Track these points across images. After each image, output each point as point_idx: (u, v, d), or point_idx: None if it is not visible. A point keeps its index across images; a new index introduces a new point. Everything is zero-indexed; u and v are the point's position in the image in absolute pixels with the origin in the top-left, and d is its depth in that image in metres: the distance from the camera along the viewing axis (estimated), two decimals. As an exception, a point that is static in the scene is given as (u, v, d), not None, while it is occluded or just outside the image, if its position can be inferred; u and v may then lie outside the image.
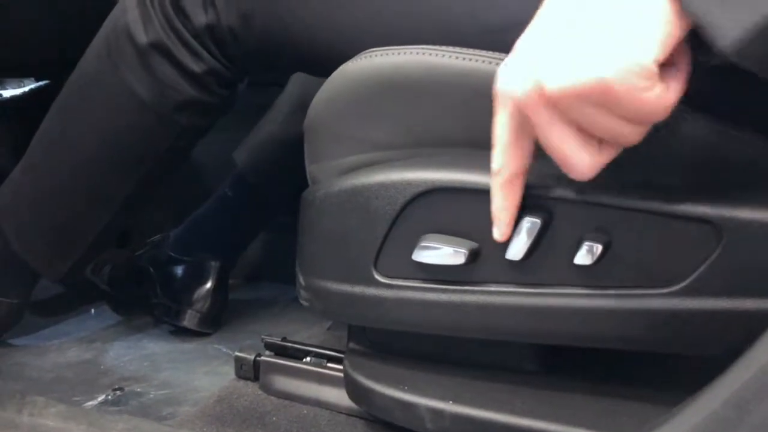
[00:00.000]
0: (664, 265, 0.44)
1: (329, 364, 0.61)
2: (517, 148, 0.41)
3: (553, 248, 0.46)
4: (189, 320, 0.93)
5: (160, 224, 1.10)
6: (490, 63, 0.49)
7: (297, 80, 0.92)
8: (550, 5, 0.38)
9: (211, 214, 0.98)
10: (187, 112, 0.67)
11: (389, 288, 0.52)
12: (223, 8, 0.61)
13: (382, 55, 0.52)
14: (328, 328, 0.87)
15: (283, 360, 0.63)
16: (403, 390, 0.52)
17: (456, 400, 0.50)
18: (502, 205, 0.44)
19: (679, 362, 0.49)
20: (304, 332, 0.93)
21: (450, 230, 0.49)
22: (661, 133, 0.43)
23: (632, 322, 0.45)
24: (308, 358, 0.62)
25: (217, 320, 0.96)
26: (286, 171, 0.96)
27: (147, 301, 0.99)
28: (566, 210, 0.46)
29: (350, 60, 0.54)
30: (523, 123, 0.40)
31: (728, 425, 0.31)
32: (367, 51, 0.53)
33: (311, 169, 0.59)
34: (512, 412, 0.48)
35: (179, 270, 0.97)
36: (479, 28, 0.51)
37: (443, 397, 0.50)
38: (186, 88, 0.65)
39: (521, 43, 0.39)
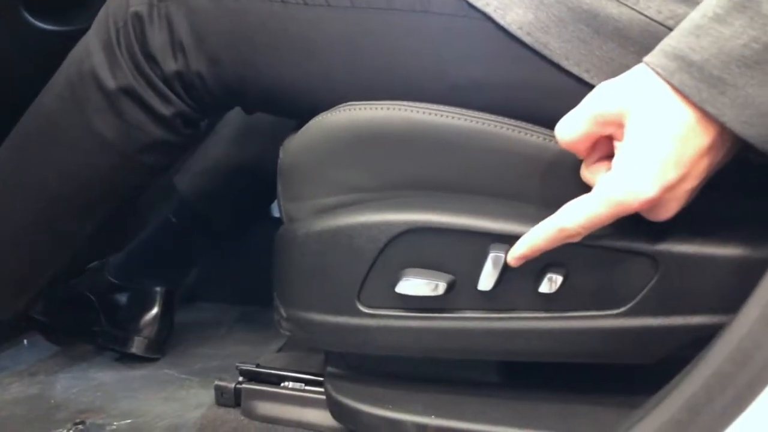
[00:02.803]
0: (612, 291, 0.53)
1: (308, 387, 0.66)
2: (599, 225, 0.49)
3: (519, 279, 0.54)
4: (137, 347, 0.94)
5: (94, 250, 1.09)
6: (459, 119, 0.56)
7: (239, 109, 0.95)
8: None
9: (154, 241, 0.99)
10: (152, 152, 0.69)
11: (372, 317, 0.58)
12: (193, 54, 0.63)
13: (361, 108, 0.58)
14: (279, 350, 0.91)
15: (264, 386, 0.67)
16: (388, 408, 0.58)
17: (438, 415, 0.57)
18: (541, 248, 0.51)
19: (624, 371, 0.58)
20: (254, 353, 0.97)
21: (427, 264, 0.56)
22: None
23: (586, 340, 0.54)
24: (287, 383, 0.67)
25: (163, 345, 0.97)
26: (231, 197, 1.00)
27: (87, 328, 0.99)
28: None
29: (329, 111, 0.59)
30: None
31: (681, 427, 0.39)
32: (345, 104, 0.59)
33: (287, 207, 0.64)
34: (489, 421, 0.56)
35: (123, 297, 0.97)
36: (447, 86, 0.57)
37: (426, 413, 0.57)
38: (153, 129, 0.67)
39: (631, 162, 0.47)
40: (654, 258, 0.51)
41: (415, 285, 0.56)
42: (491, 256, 0.53)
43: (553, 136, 0.52)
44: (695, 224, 0.51)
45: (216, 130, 0.99)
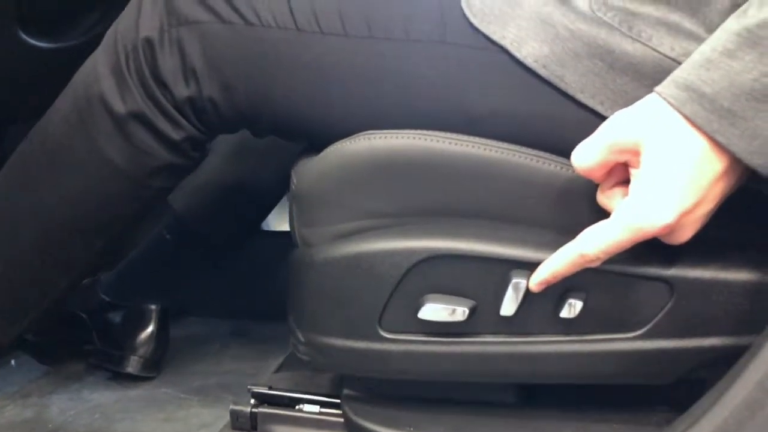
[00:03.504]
0: (629, 315, 0.55)
1: (325, 410, 0.67)
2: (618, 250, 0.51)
3: (540, 305, 0.56)
4: (133, 366, 0.93)
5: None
6: (477, 147, 0.57)
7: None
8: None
9: (148, 258, 0.98)
10: (160, 176, 0.69)
11: (394, 342, 0.59)
12: (205, 79, 0.63)
13: (380, 138, 0.59)
14: (279, 367, 0.91)
15: (280, 410, 0.68)
16: (409, 431, 0.59)
17: (458, 436, 0.58)
18: (562, 274, 0.53)
19: (639, 390, 0.60)
20: (252, 369, 0.97)
21: (449, 290, 0.57)
22: None
23: (604, 362, 0.56)
24: (302, 405, 0.68)
25: (159, 364, 0.96)
26: (226, 215, 0.99)
27: (77, 348, 0.97)
28: (550, 273, 0.55)
29: (348, 139, 0.60)
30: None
31: (742, 424, 0.41)
32: (364, 133, 0.59)
33: (303, 232, 0.64)
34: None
35: (117, 315, 0.96)
36: (464, 117, 0.59)
37: (447, 434, 0.59)
38: (162, 154, 0.67)
39: (649, 188, 0.49)
40: (670, 283, 0.54)
41: (437, 311, 0.57)
42: (513, 282, 0.55)
43: (569, 164, 0.53)
44: (709, 250, 0.54)
45: (211, 147, 0.98)
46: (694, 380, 0.57)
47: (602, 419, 0.60)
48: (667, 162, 0.48)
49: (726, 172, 0.48)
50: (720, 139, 0.46)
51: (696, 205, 0.49)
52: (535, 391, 0.61)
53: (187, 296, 1.08)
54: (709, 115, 0.46)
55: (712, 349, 0.54)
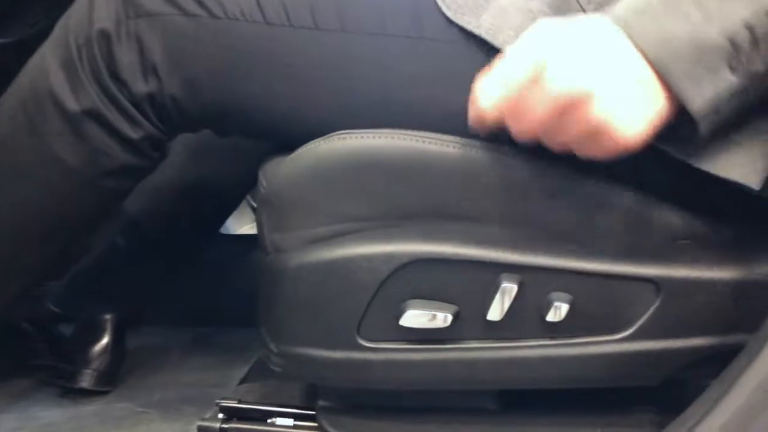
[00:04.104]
0: (616, 316, 0.54)
1: (299, 423, 0.64)
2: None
3: (526, 309, 0.54)
4: (87, 381, 0.88)
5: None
6: (458, 147, 0.55)
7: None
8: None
9: (101, 265, 0.93)
10: (116, 177, 0.64)
11: (374, 351, 0.56)
12: (166, 76, 0.59)
13: (356, 137, 0.56)
14: (244, 378, 0.87)
15: (251, 424, 0.64)
16: (391, 442, 0.57)
17: (443, 447, 0.56)
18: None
19: (623, 393, 0.59)
20: (215, 379, 0.93)
21: (432, 296, 0.55)
22: (594, 205, 0.53)
23: (590, 365, 0.55)
24: (274, 419, 0.64)
25: (115, 377, 0.91)
26: (184, 218, 0.95)
27: (23, 362, 0.92)
28: (535, 276, 0.54)
29: (321, 139, 0.57)
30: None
31: (759, 407, 0.40)
32: (339, 132, 0.57)
33: (274, 237, 0.61)
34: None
35: (69, 327, 0.91)
36: (442, 113, 0.56)
37: (431, 445, 0.56)
38: (119, 153, 0.63)
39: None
40: (656, 283, 0.53)
41: (419, 317, 0.55)
42: (503, 286, 0.53)
43: (556, 163, 0.52)
44: (695, 250, 0.53)
45: (168, 148, 0.94)
46: (678, 382, 0.56)
47: (585, 423, 0.59)
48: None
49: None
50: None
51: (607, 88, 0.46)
52: (517, 398, 0.60)
53: (144, 304, 1.02)
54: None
55: (698, 350, 0.54)
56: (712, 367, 0.53)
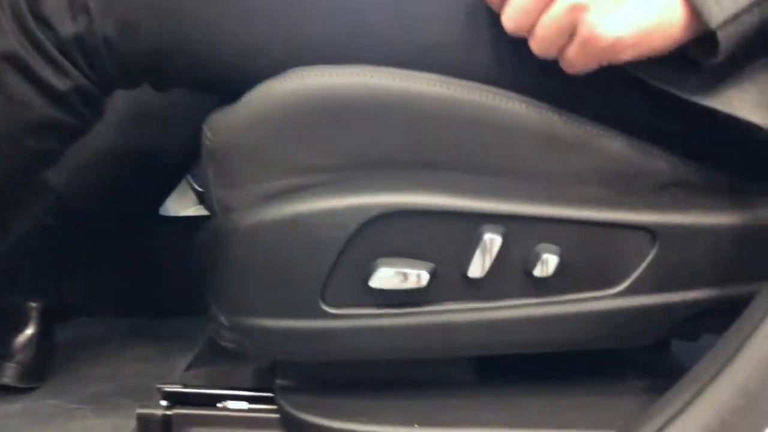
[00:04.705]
0: (609, 269, 0.49)
1: (255, 406, 0.56)
2: None
3: (511, 263, 0.48)
4: (9, 376, 0.79)
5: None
6: (434, 85, 0.49)
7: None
8: None
9: (25, 247, 0.83)
10: (39, 134, 0.56)
11: (340, 318, 0.50)
12: (99, 14, 0.52)
13: (315, 75, 0.49)
14: (189, 366, 0.79)
15: (200, 410, 0.57)
16: (361, 421, 0.50)
17: (421, 423, 0.50)
18: None
19: (606, 356, 0.55)
20: (157, 371, 0.85)
21: (405, 253, 0.49)
22: (583, 150, 0.48)
23: (580, 325, 0.50)
24: (225, 402, 0.57)
25: (43, 371, 0.82)
26: (118, 194, 0.87)
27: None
28: (521, 226, 0.48)
29: (275, 78, 0.50)
30: None
31: (742, 413, 0.35)
32: (295, 69, 0.50)
33: (222, 195, 0.54)
34: (479, 425, 0.50)
35: (-12, 317, 0.81)
36: (419, 47, 0.50)
37: (407, 422, 0.50)
38: (42, 106, 0.55)
39: None
40: (651, 231, 0.48)
41: (391, 277, 0.49)
42: (486, 237, 0.47)
43: (541, 105, 0.48)
44: (692, 196, 0.49)
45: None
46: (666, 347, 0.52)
47: (574, 392, 0.54)
48: None
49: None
50: None
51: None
52: (496, 367, 0.54)
53: (75, 292, 0.93)
54: None
55: (696, 303, 0.49)
56: (712, 323, 0.49)
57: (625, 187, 0.50)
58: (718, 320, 0.45)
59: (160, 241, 1.00)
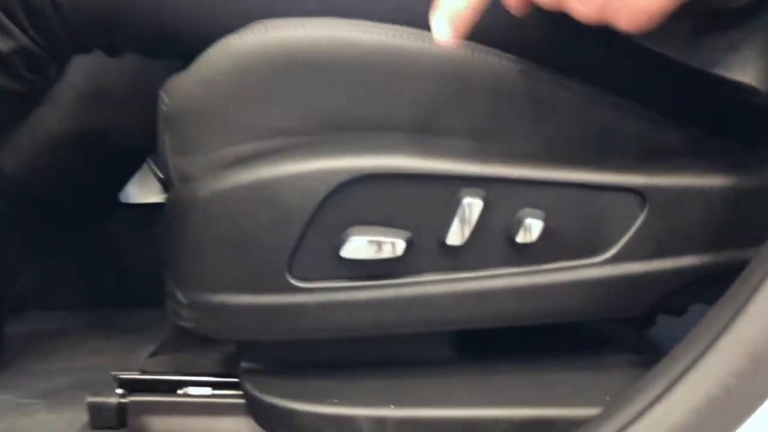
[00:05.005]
0: (596, 235, 0.46)
1: (217, 391, 0.52)
2: None
3: (492, 229, 0.45)
4: (-45, 372, 0.74)
5: None
6: (406, 38, 0.45)
7: (82, 64, 0.77)
8: None
9: (-28, 235, 0.78)
10: (-22, 102, 0.52)
11: (309, 293, 0.46)
12: None
13: (278, 28, 0.45)
14: (151, 355, 0.75)
15: (159, 397, 0.52)
16: (333, 404, 0.47)
17: (397, 404, 0.46)
18: None
19: (588, 330, 0.52)
20: (116, 363, 0.80)
21: (379, 220, 0.45)
22: (569, 108, 0.45)
23: (566, 295, 0.47)
24: (186, 389, 0.53)
25: (-8, 366, 0.77)
26: (74, 177, 0.82)
27: None
28: (502, 190, 0.45)
29: (234, 34, 0.46)
30: None
31: (746, 376, 0.33)
32: (256, 23, 0.46)
33: (180, 163, 0.50)
34: (460, 404, 0.47)
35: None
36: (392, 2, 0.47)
37: (382, 403, 0.46)
38: (-20, 70, 0.50)
39: None
40: (641, 193, 0.45)
41: (364, 247, 0.45)
42: (465, 202, 0.44)
43: (521, 60, 0.44)
44: (682, 158, 0.46)
45: (50, 94, 0.80)
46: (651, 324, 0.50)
47: (558, 368, 0.51)
48: None
49: None
50: None
51: None
52: (475, 344, 0.51)
53: (28, 283, 0.88)
54: None
55: (687, 270, 0.47)
56: (702, 292, 0.46)
57: (612, 149, 0.47)
58: (708, 289, 0.43)
59: (120, 229, 0.95)
